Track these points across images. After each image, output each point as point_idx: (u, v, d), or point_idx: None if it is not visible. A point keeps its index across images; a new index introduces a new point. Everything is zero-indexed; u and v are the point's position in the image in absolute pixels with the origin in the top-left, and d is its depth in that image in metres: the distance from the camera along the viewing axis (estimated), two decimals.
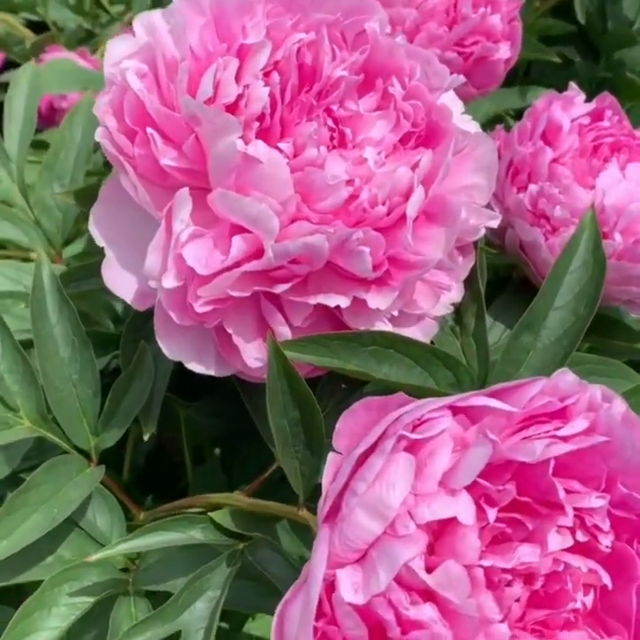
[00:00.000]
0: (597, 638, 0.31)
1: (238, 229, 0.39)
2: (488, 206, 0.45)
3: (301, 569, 0.31)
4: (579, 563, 0.31)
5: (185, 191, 0.39)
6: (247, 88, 0.39)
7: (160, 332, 0.40)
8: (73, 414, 0.45)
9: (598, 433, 0.31)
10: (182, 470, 0.63)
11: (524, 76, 0.92)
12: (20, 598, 0.41)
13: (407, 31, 0.56)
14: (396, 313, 0.42)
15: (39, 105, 0.65)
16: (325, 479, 0.31)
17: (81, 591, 0.41)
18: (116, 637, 0.38)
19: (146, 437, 0.46)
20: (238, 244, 0.38)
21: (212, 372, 0.41)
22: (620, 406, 0.31)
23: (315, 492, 0.38)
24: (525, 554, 0.30)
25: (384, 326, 0.41)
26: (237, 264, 0.38)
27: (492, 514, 0.30)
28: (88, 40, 1.03)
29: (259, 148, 0.38)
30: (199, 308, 0.38)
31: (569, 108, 0.53)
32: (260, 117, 0.40)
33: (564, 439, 0.30)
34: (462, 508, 0.28)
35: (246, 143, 0.38)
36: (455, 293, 0.44)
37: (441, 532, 0.29)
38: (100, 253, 0.42)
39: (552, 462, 0.30)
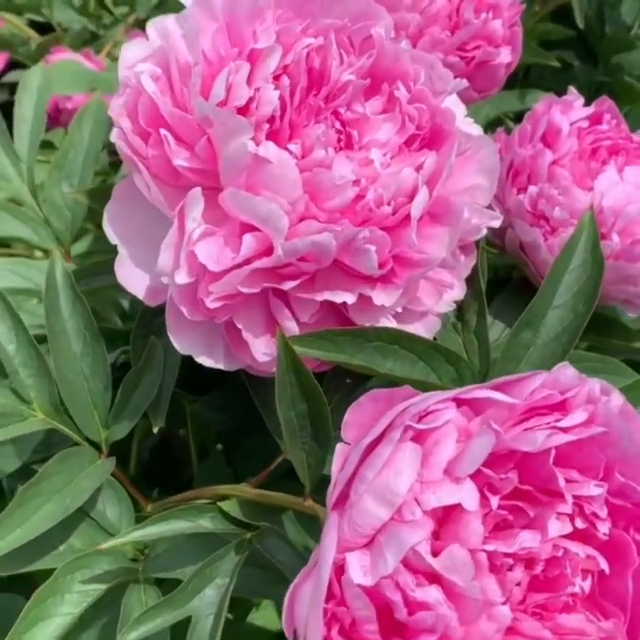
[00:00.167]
0: (595, 621, 0.31)
1: (249, 228, 0.39)
2: (489, 207, 0.45)
3: (307, 558, 0.32)
4: (577, 549, 0.31)
5: (197, 191, 0.39)
6: (258, 91, 0.40)
7: (171, 326, 0.41)
8: (84, 407, 0.46)
9: (597, 424, 0.31)
10: (186, 465, 0.64)
11: (523, 79, 0.92)
12: (31, 587, 0.41)
13: (411, 35, 0.56)
14: (400, 310, 0.42)
15: None
16: (334, 468, 0.32)
17: (93, 579, 0.42)
18: (127, 623, 0.39)
19: (155, 430, 0.47)
20: (248, 242, 0.39)
21: (220, 366, 0.42)
22: (617, 399, 0.32)
23: (320, 484, 0.39)
24: (526, 539, 0.31)
25: (388, 323, 0.42)
26: (247, 261, 0.39)
27: (494, 501, 0.30)
28: (92, 41, 1.03)
29: (269, 149, 0.39)
30: (210, 303, 0.39)
31: (568, 112, 0.54)
32: (271, 119, 0.40)
33: (564, 430, 0.31)
34: (467, 495, 0.29)
35: (257, 144, 0.39)
36: (457, 291, 0.45)
37: (446, 518, 0.30)
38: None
39: (553, 452, 0.31)
